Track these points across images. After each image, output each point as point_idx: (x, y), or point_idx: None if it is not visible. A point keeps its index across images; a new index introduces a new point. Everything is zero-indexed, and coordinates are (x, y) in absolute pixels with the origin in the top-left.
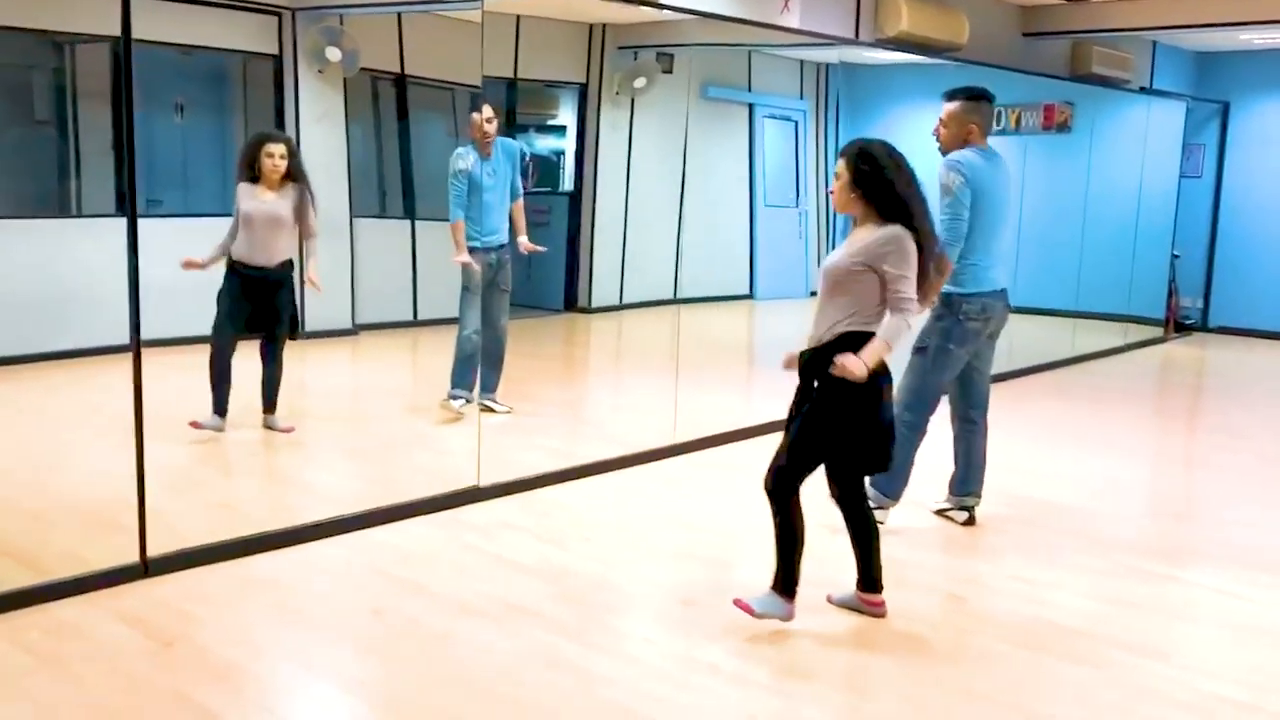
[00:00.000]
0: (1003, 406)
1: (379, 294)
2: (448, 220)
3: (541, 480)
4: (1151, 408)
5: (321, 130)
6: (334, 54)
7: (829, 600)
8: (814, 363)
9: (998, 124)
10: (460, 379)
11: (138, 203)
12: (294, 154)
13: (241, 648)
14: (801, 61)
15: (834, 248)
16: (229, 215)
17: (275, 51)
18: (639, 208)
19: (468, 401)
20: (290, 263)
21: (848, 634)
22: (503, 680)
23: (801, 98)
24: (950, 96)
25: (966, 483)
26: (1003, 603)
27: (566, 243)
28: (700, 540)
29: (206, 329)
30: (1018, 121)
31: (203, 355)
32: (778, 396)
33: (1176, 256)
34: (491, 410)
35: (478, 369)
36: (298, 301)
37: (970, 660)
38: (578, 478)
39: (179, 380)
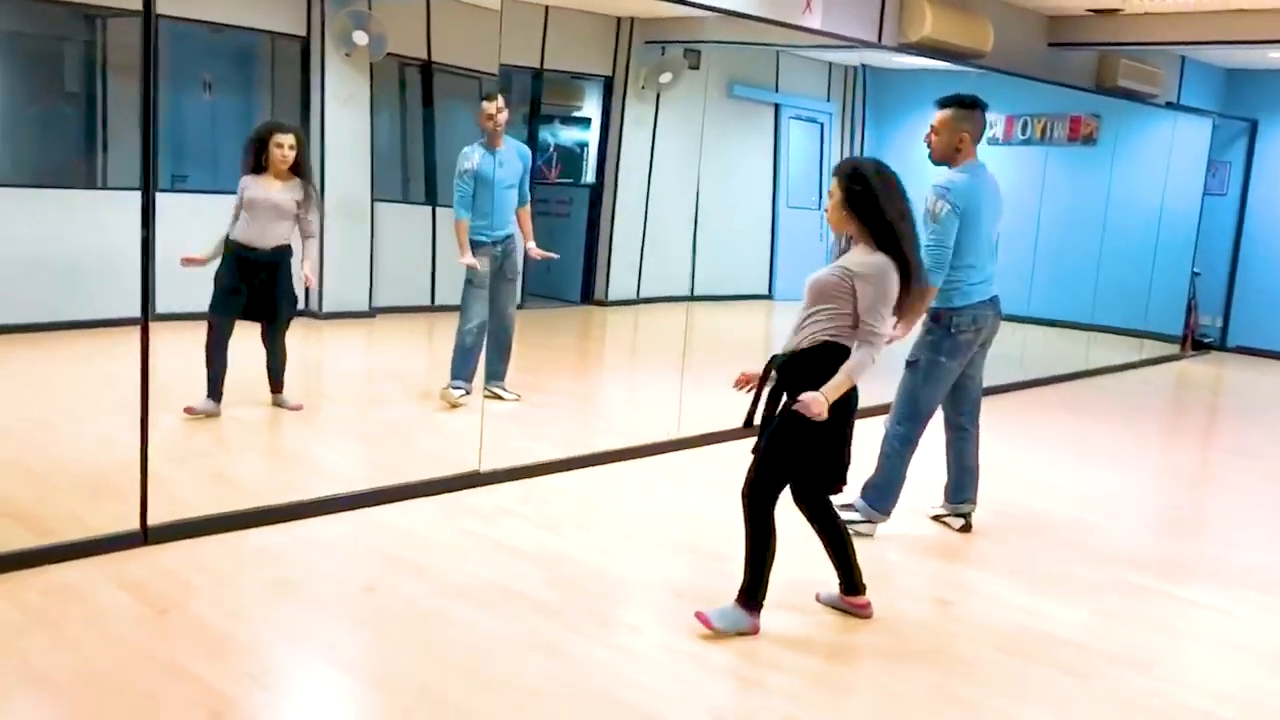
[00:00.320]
0: (1010, 417)
1: (397, 278)
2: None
3: (544, 468)
4: (1162, 424)
5: (346, 113)
6: (361, 38)
7: (817, 599)
8: (788, 370)
9: (1023, 133)
10: (460, 369)
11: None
12: (302, 145)
13: (236, 618)
14: (830, 64)
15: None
16: None
17: (303, 33)
18: (660, 203)
19: (466, 393)
20: (288, 247)
21: (834, 633)
22: (490, 662)
23: (828, 100)
24: (943, 104)
25: (961, 490)
26: (992, 610)
27: (586, 235)
28: (697, 533)
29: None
30: (1044, 132)
31: None
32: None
33: (1197, 274)
34: (500, 398)
35: (478, 360)
36: (296, 287)
37: (954, 664)
38: (580, 467)
39: (193, 354)
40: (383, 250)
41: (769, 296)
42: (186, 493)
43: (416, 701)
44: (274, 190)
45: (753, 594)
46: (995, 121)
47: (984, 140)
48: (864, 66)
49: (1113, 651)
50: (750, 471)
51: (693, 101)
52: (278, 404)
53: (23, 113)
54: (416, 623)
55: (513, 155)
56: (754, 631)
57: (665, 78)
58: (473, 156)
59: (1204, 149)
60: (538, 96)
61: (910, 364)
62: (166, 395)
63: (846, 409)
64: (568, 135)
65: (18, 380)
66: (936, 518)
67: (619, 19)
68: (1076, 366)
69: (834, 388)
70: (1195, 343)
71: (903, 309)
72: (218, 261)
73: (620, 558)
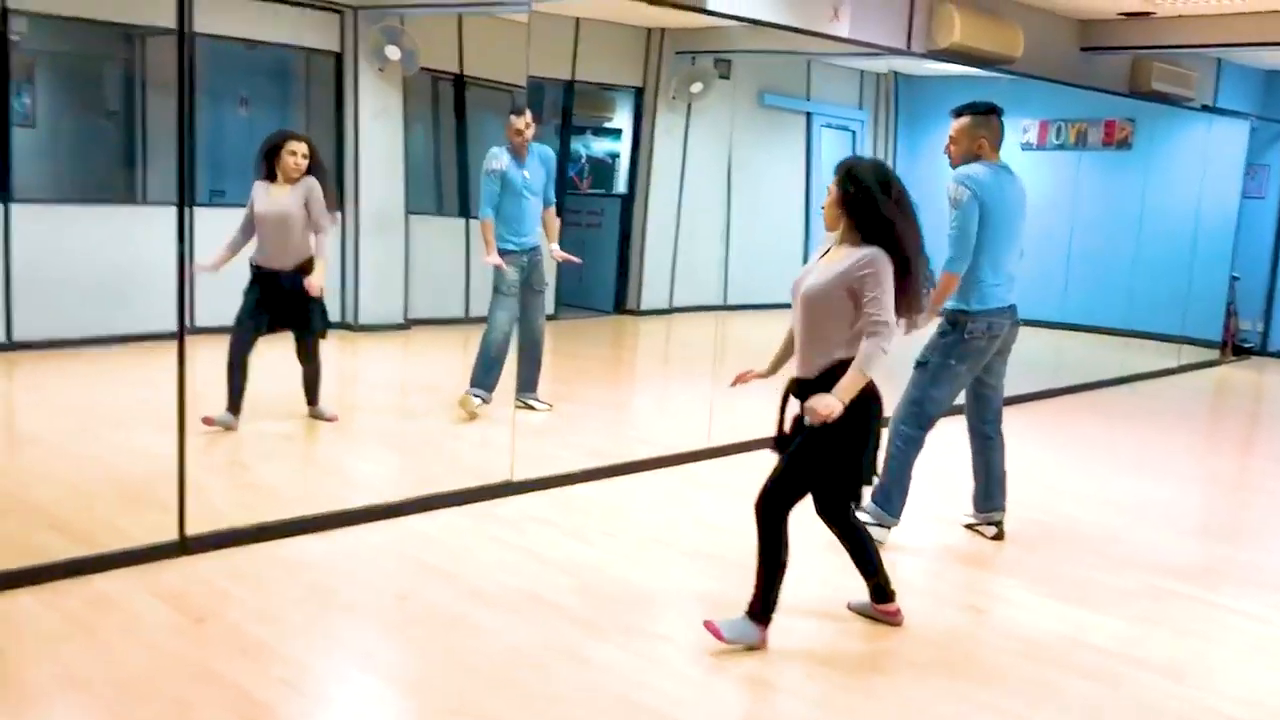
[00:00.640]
0: (1045, 423)
1: (431, 290)
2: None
3: (574, 477)
4: (1200, 430)
5: (380, 127)
6: (394, 53)
7: (848, 607)
8: (807, 393)
9: (1056, 138)
10: (482, 378)
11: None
12: (315, 154)
13: (271, 626)
14: (861, 72)
15: None
16: None
17: (337, 49)
18: (692, 212)
19: (485, 401)
20: (308, 264)
21: (863, 640)
22: (517, 668)
23: (860, 107)
24: (958, 113)
25: (990, 498)
26: (1023, 617)
27: (618, 245)
28: (727, 543)
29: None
30: (1078, 137)
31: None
32: None
33: (1236, 278)
34: (531, 408)
35: (501, 370)
36: (325, 301)
37: (984, 672)
38: (610, 476)
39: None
40: (417, 263)
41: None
42: (224, 503)
43: (447, 706)
44: (281, 197)
45: (762, 607)
46: (1029, 127)
47: (1017, 146)
48: (895, 74)
49: (1144, 658)
50: (766, 483)
51: (723, 111)
52: (314, 415)
53: (65, 130)
54: (447, 630)
55: (536, 163)
56: (761, 645)
57: (696, 88)
58: (501, 158)
59: (1242, 152)
60: (569, 108)
61: (920, 364)
62: (204, 407)
63: (867, 420)
64: (599, 146)
65: (59, 393)
66: (969, 526)
67: (649, 30)
68: (1113, 372)
69: (846, 387)
70: (1235, 348)
71: (912, 304)
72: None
73: (649, 566)
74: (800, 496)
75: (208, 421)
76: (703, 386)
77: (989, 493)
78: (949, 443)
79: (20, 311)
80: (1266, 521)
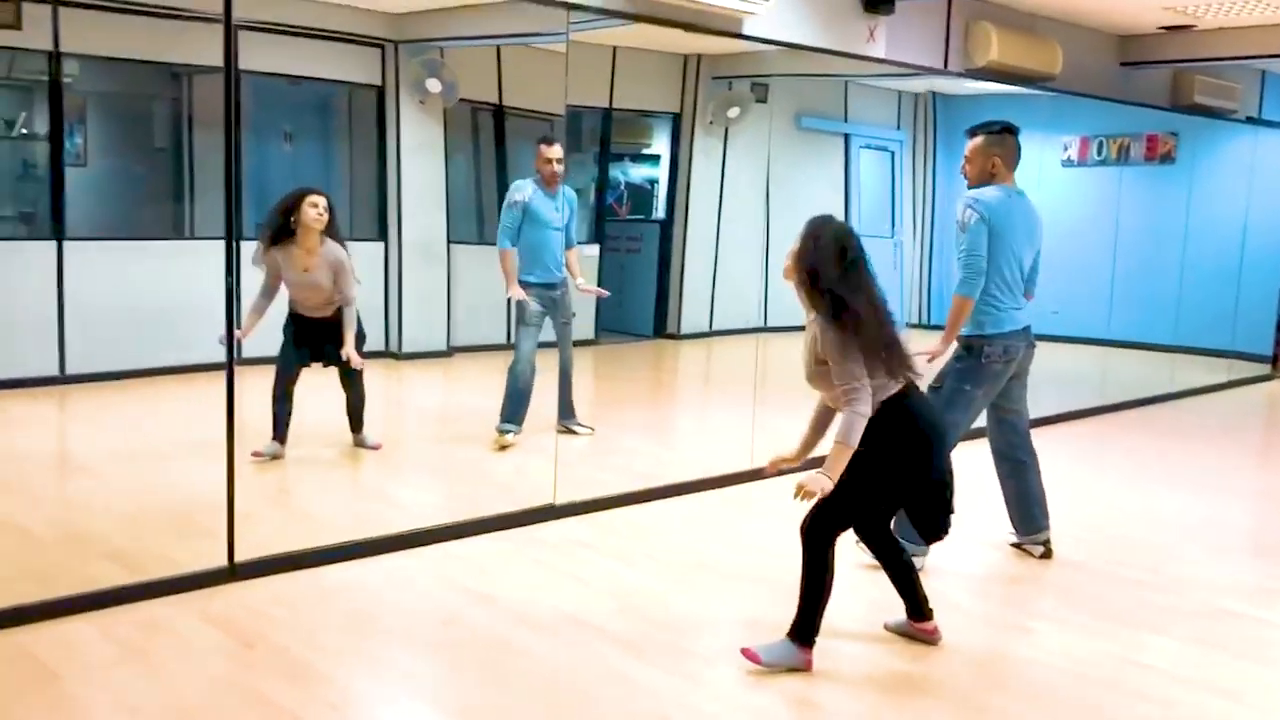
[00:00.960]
0: (1093, 440)
1: (473, 317)
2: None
3: (616, 501)
4: (1252, 446)
5: (421, 159)
6: (434, 85)
7: (885, 627)
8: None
9: (1098, 154)
10: (511, 413)
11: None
12: (333, 211)
13: (318, 650)
14: (899, 92)
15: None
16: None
17: (379, 82)
18: (730, 236)
19: (516, 433)
20: (339, 311)
21: (902, 660)
22: (560, 690)
23: (899, 128)
24: (972, 132)
25: (1032, 520)
26: (1071, 636)
27: (657, 270)
28: (769, 565)
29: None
30: (1120, 152)
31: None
32: None
33: None
34: (574, 433)
35: (529, 401)
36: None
37: (1028, 690)
38: (652, 499)
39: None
40: (459, 291)
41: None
42: (271, 530)
43: None
44: (308, 271)
45: (805, 630)
46: (1069, 144)
47: (1058, 163)
48: (933, 94)
49: (1198, 679)
50: (812, 508)
51: (761, 135)
52: (358, 444)
53: (115, 168)
54: (491, 653)
55: (565, 203)
56: (806, 667)
57: (733, 112)
58: (525, 190)
59: None
60: (607, 135)
61: (934, 389)
62: (251, 437)
63: (913, 449)
64: (637, 172)
65: (111, 425)
66: (1016, 545)
67: (686, 56)
68: (1161, 389)
69: (833, 463)
70: None
71: (885, 368)
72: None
73: (691, 589)
74: (848, 525)
75: (255, 455)
76: (744, 409)
77: (1029, 514)
78: (989, 464)
79: (73, 345)
80: None
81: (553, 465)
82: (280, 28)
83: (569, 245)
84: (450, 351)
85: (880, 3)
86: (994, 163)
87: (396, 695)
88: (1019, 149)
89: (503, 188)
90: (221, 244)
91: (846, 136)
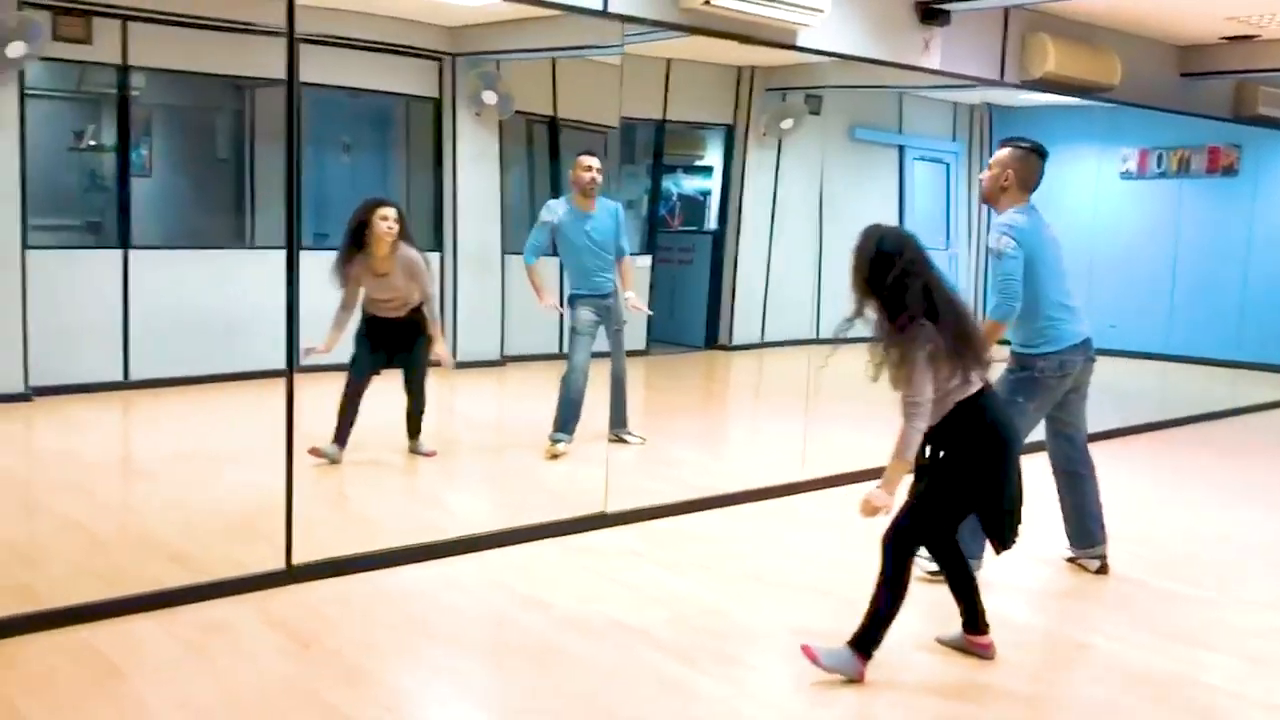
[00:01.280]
0: (1153, 456)
1: (527, 327)
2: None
3: (667, 510)
4: None
5: (477, 170)
6: (490, 97)
7: (938, 640)
8: (933, 437)
9: (1158, 166)
10: (564, 423)
11: (307, 237)
12: (404, 219)
13: (372, 652)
14: (954, 104)
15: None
16: None
17: (435, 94)
18: (783, 247)
19: (567, 444)
20: (419, 308)
21: (956, 673)
22: (610, 696)
23: (954, 139)
24: (1003, 143)
25: (1088, 534)
26: (1129, 653)
27: (709, 281)
28: (819, 574)
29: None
30: (1181, 164)
31: None
32: None
33: None
34: (625, 442)
35: (579, 412)
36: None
37: (1086, 706)
38: (704, 509)
39: (335, 404)
40: (513, 301)
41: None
42: (328, 534)
43: None
44: (388, 278)
45: (867, 641)
46: (1128, 156)
47: (1117, 175)
48: (989, 105)
49: (1260, 699)
50: (894, 519)
51: (814, 146)
52: (413, 450)
53: (179, 179)
54: (542, 658)
55: (604, 216)
56: (859, 678)
57: (786, 124)
58: (556, 211)
59: None
60: (660, 147)
61: None
62: (310, 442)
63: (1002, 456)
64: (690, 184)
65: (174, 429)
66: (1072, 560)
67: (739, 68)
68: (1222, 404)
69: (890, 477)
70: None
71: (960, 366)
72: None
73: (741, 599)
74: (930, 535)
75: (314, 452)
76: (795, 420)
77: (1086, 529)
78: (1047, 478)
79: (137, 351)
80: None
81: (604, 474)
82: (341, 41)
83: (620, 255)
84: (503, 360)
85: (936, 14)
86: (1008, 175)
87: (448, 697)
88: (1041, 172)
89: (556, 199)
90: (282, 253)
91: (901, 148)
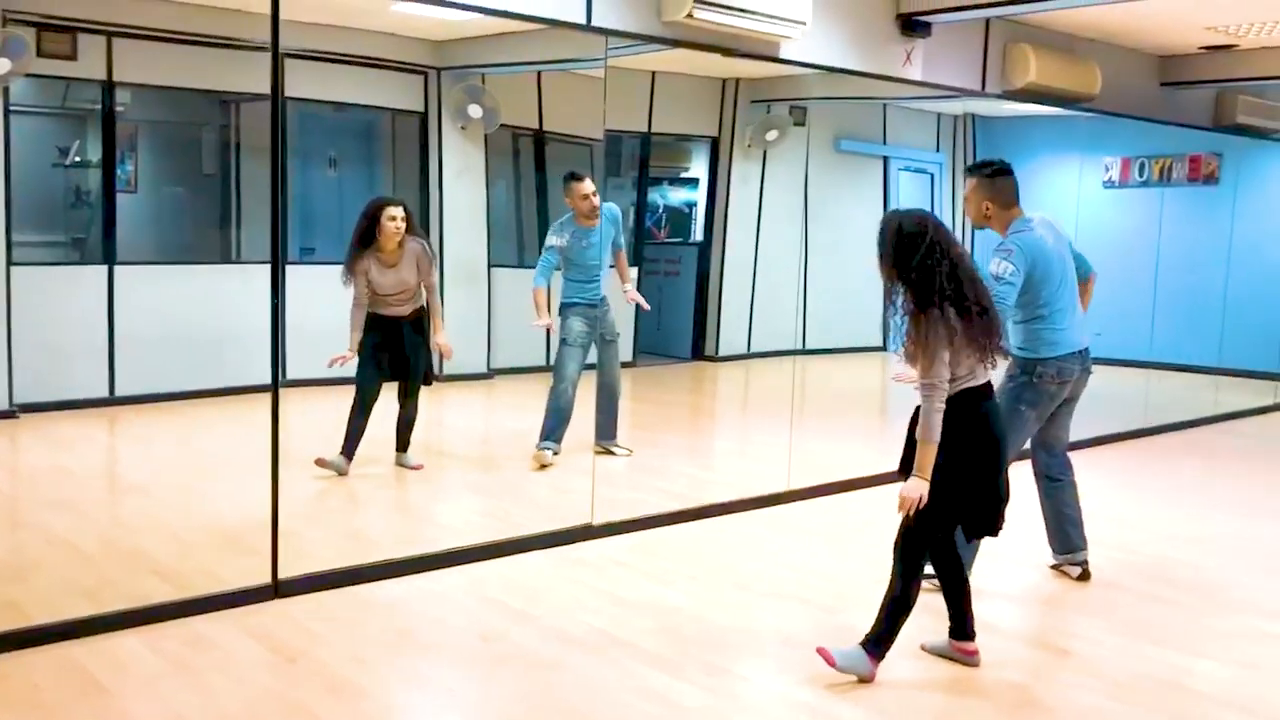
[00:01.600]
0: (1137, 463)
1: (513, 340)
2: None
3: (654, 520)
4: None
5: (463, 184)
6: (476, 111)
7: (922, 648)
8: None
9: (1140, 175)
10: (551, 432)
11: (292, 251)
12: (410, 215)
13: (359, 665)
14: (938, 115)
15: None
16: None
17: (421, 109)
18: (768, 258)
19: (555, 453)
20: (422, 310)
21: (943, 681)
22: (600, 707)
23: (937, 150)
24: (968, 172)
25: (1068, 540)
26: (1112, 658)
27: (695, 292)
28: (805, 584)
29: (350, 371)
30: (1163, 173)
31: (346, 396)
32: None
33: None
34: (612, 453)
35: (567, 422)
36: (432, 349)
37: (1071, 714)
38: (690, 520)
39: (321, 418)
40: (499, 314)
41: (883, 349)
42: (315, 548)
43: None
44: (396, 269)
45: (879, 642)
46: (1111, 164)
47: (1099, 184)
48: (973, 116)
49: (1241, 703)
50: (901, 523)
51: (799, 157)
52: (400, 463)
53: (164, 194)
54: (529, 670)
55: (607, 223)
56: (870, 679)
57: (771, 135)
58: (563, 236)
59: None
60: (646, 159)
61: None
62: (295, 456)
63: (990, 452)
64: (676, 196)
65: (159, 445)
66: (1055, 567)
67: (724, 81)
68: (1204, 411)
69: (921, 463)
70: None
71: (974, 352)
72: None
73: (729, 608)
74: (936, 533)
75: (320, 463)
76: (782, 431)
77: (1066, 535)
78: (1029, 485)
79: (122, 367)
80: None
81: (590, 485)
82: (326, 56)
83: (617, 248)
84: (490, 374)
85: (917, 25)
86: (987, 206)
87: (435, 710)
88: (1015, 186)
89: (543, 212)
90: (267, 267)
91: (885, 159)
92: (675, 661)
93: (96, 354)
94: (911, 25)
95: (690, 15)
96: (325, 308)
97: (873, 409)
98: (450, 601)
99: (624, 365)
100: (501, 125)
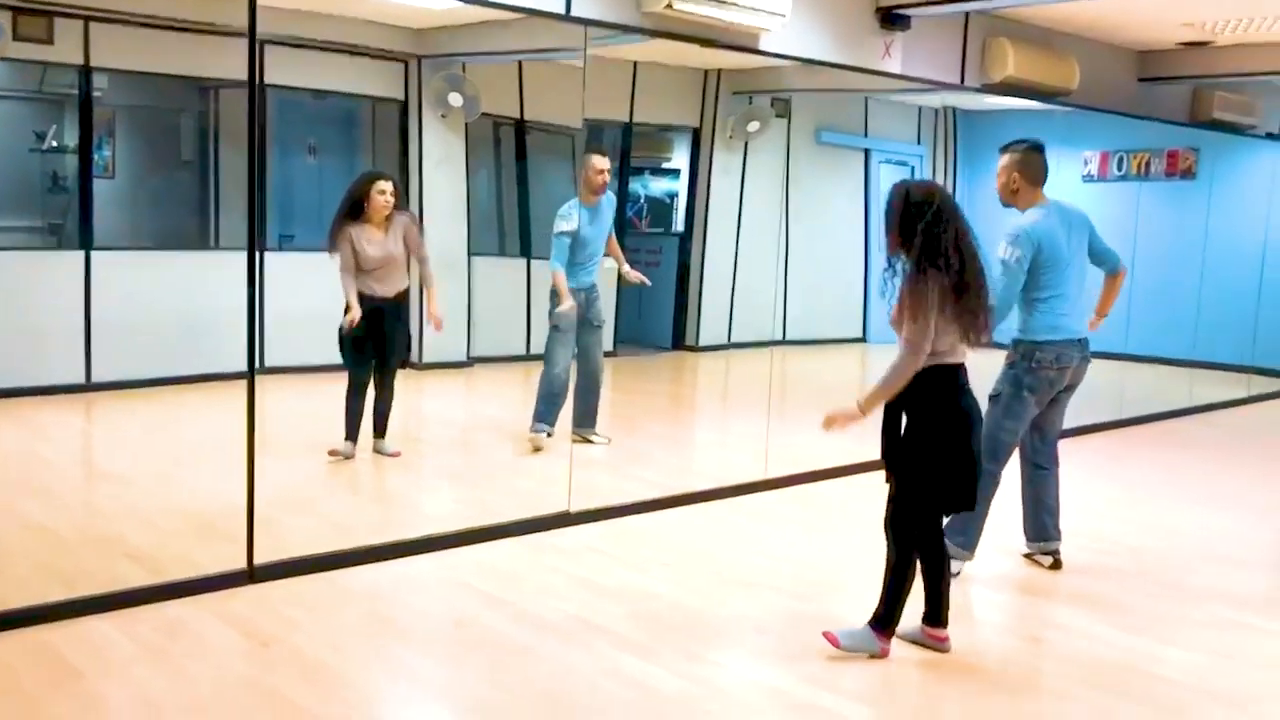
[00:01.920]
0: (1111, 454)
1: (493, 328)
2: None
3: (631, 509)
4: (1272, 461)
5: (443, 172)
6: (456, 99)
7: (895, 635)
8: (898, 398)
9: (1119, 169)
10: (544, 414)
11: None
12: (399, 191)
13: (334, 651)
14: (919, 107)
15: None
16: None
17: (401, 97)
18: (749, 249)
19: (549, 434)
20: (406, 293)
21: (916, 667)
22: (573, 693)
23: (919, 143)
24: (1001, 149)
25: (1044, 529)
26: (1083, 646)
27: (676, 283)
28: (780, 571)
29: (329, 358)
30: (1141, 167)
31: (325, 383)
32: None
33: None
34: (590, 442)
35: (563, 404)
36: (412, 332)
37: (1042, 700)
38: (667, 508)
39: (300, 405)
40: (479, 302)
41: (863, 340)
42: (291, 534)
43: None
44: (382, 240)
45: (886, 619)
46: (1090, 158)
47: (1079, 178)
48: (953, 109)
49: (1209, 689)
50: (888, 502)
51: (780, 149)
52: (378, 450)
53: (142, 180)
54: (503, 655)
55: (607, 209)
56: (884, 655)
57: (753, 127)
58: (572, 219)
59: None
60: (628, 149)
61: (993, 398)
62: (275, 443)
63: (960, 427)
64: (657, 186)
65: (136, 431)
66: (1027, 556)
67: (706, 71)
68: (1179, 404)
69: (867, 400)
70: None
71: (957, 327)
72: (338, 302)
73: (704, 595)
74: (924, 509)
75: (333, 453)
76: (760, 420)
77: (1041, 524)
78: (1010, 474)
79: (99, 353)
80: None
81: (568, 473)
82: (306, 43)
83: (609, 232)
84: (470, 362)
85: (896, 18)
86: (1014, 178)
87: (410, 695)
88: (1045, 166)
89: (523, 201)
90: (245, 254)
91: (866, 151)
92: (649, 647)
93: (73, 340)
94: (891, 18)
95: (669, 6)
96: (305, 295)
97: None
98: (425, 588)
99: (605, 355)
100: (482, 114)
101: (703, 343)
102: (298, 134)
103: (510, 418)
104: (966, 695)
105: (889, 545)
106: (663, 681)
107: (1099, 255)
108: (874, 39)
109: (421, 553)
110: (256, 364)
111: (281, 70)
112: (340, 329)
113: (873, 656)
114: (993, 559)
